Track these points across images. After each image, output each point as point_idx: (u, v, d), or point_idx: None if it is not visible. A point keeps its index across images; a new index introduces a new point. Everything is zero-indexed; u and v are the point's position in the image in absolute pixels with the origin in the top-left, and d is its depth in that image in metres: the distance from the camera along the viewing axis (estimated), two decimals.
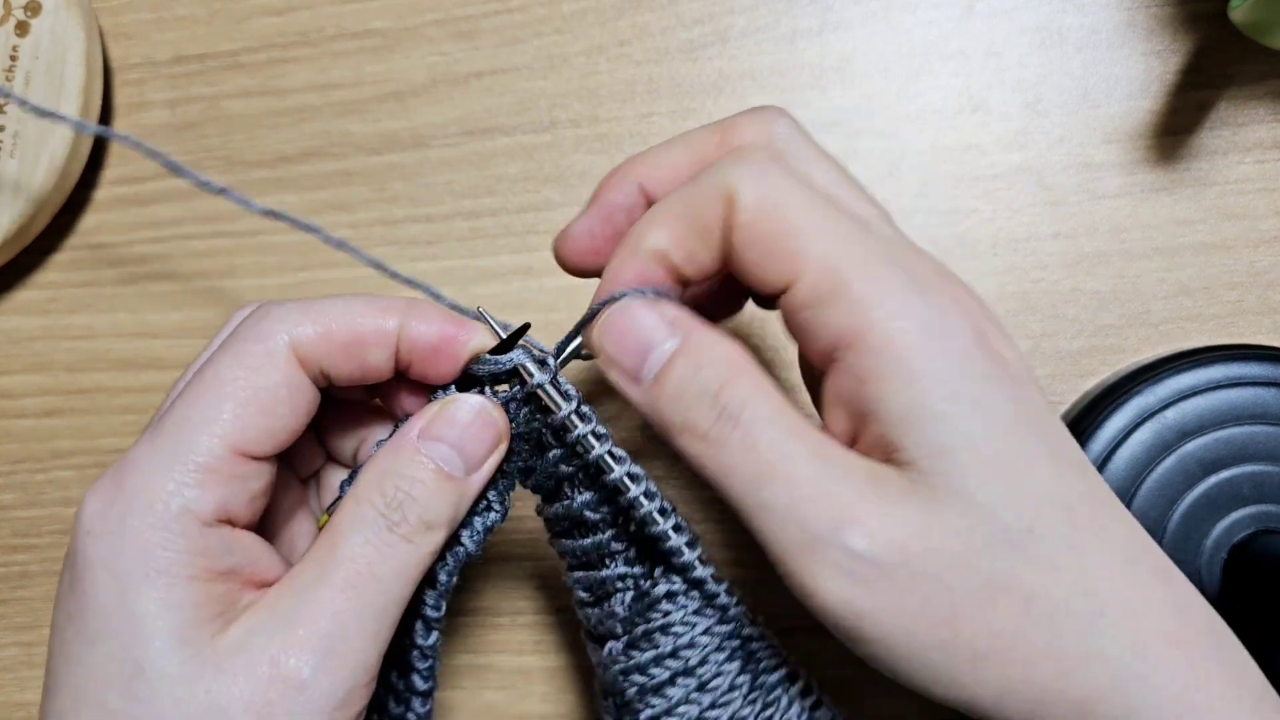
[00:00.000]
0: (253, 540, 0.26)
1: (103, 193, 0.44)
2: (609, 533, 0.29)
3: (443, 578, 0.28)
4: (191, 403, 0.25)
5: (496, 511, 0.29)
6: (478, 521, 0.28)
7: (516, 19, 0.42)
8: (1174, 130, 0.38)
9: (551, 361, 0.28)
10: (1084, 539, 0.22)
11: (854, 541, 0.21)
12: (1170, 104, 0.38)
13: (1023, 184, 0.38)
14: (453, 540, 0.28)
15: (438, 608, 0.28)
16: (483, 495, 0.28)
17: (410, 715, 0.29)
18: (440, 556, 0.28)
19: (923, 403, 0.22)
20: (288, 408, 0.26)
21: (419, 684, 0.29)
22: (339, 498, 0.28)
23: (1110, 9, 0.38)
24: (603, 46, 0.41)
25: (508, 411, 0.28)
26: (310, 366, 0.27)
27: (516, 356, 0.28)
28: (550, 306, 0.40)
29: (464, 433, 0.27)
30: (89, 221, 0.44)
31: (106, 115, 0.44)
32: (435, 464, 0.26)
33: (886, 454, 0.22)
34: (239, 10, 0.44)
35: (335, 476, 0.32)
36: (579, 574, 0.30)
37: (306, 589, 0.25)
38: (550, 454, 0.28)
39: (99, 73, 0.43)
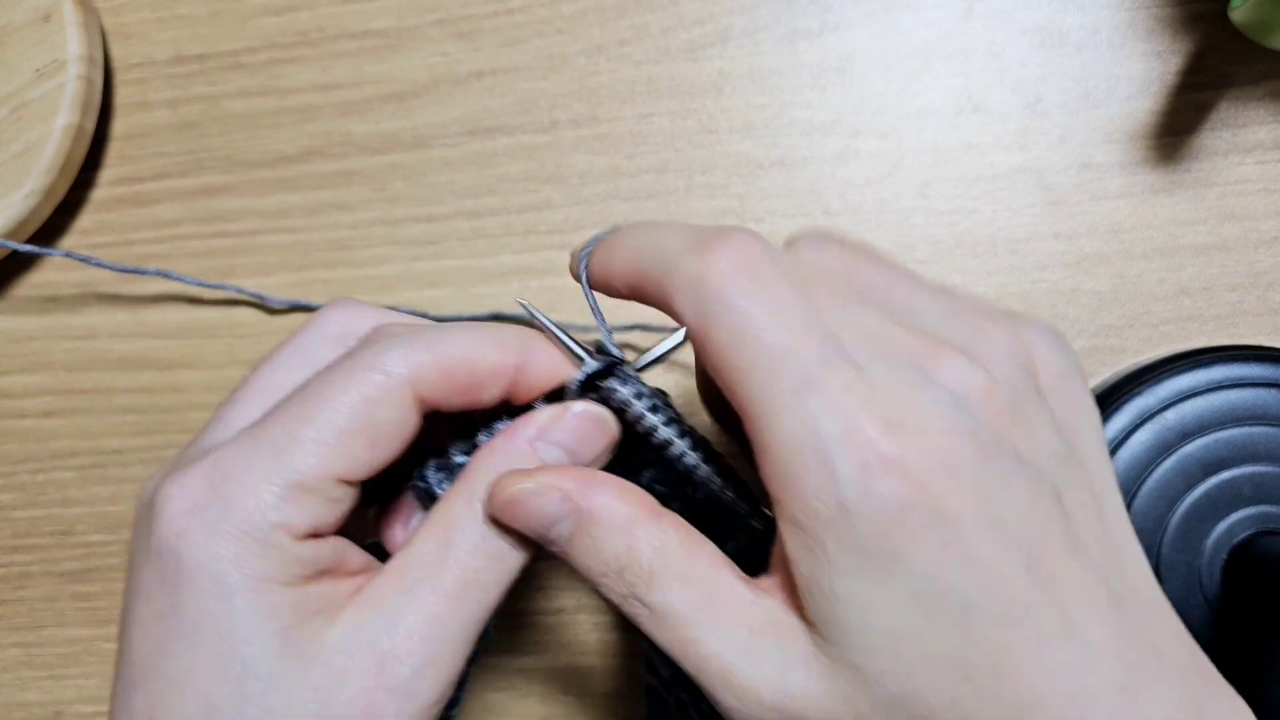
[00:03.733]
0: (340, 543, 0.26)
1: (101, 192, 0.44)
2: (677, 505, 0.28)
3: None
4: (300, 419, 0.25)
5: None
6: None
7: (517, 19, 0.42)
8: (1175, 131, 0.38)
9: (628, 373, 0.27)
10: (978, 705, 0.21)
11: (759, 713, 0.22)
12: (1171, 104, 0.38)
13: (1023, 184, 0.38)
14: None
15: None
16: None
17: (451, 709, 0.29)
18: None
19: (823, 579, 0.21)
20: (395, 441, 0.26)
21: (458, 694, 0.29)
22: (424, 481, 0.28)
23: (1111, 9, 0.38)
24: (603, 47, 0.41)
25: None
26: (425, 403, 0.26)
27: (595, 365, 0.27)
28: (550, 306, 0.40)
29: (577, 437, 0.26)
30: (88, 221, 0.44)
31: (107, 115, 0.44)
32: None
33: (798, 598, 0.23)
34: (240, 10, 0.44)
35: None
36: None
37: (412, 589, 0.24)
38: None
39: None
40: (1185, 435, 0.33)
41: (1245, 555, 0.32)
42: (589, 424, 0.27)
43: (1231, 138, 0.37)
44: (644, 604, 0.23)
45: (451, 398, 0.26)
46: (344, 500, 0.26)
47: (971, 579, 0.21)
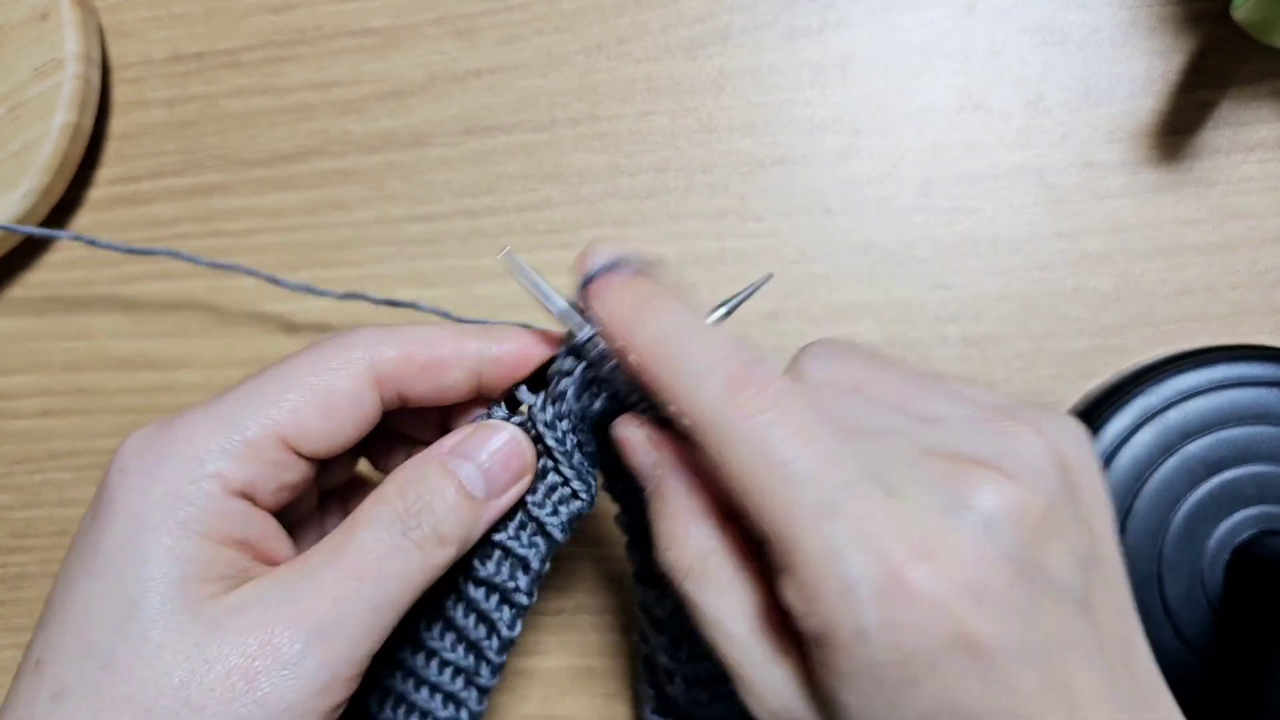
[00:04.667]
0: (271, 522, 0.27)
1: (99, 191, 0.44)
2: None
3: (535, 564, 0.28)
4: (259, 383, 0.26)
5: (583, 501, 0.29)
6: (564, 511, 0.29)
7: (516, 17, 0.42)
8: (1177, 129, 0.38)
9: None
10: None
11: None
12: (1173, 103, 0.38)
13: (1024, 183, 0.38)
14: (540, 529, 0.28)
15: (530, 594, 0.29)
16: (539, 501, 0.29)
17: (464, 714, 0.29)
18: (530, 543, 0.28)
19: (834, 689, 0.22)
20: (347, 417, 0.27)
21: (486, 679, 0.29)
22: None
23: (1112, 7, 0.38)
24: (602, 45, 0.41)
25: (590, 397, 0.28)
26: (387, 386, 0.27)
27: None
28: None
29: (491, 458, 0.27)
30: (85, 220, 0.44)
31: (104, 114, 0.44)
32: (459, 481, 0.26)
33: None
34: (237, 8, 0.43)
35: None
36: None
37: (314, 570, 0.25)
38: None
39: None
40: (1188, 435, 0.33)
41: (1247, 555, 0.32)
42: (505, 445, 0.28)
43: (1234, 136, 0.37)
44: (683, 591, 0.25)
45: (417, 382, 0.28)
46: (287, 469, 0.26)
47: (988, 703, 0.21)
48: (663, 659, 0.31)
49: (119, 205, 0.44)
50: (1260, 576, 0.32)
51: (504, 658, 0.29)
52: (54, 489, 0.43)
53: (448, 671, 0.29)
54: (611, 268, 0.26)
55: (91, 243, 0.36)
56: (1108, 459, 0.33)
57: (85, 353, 0.43)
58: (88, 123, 0.42)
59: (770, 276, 0.30)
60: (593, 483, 0.29)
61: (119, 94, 0.44)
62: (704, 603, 0.24)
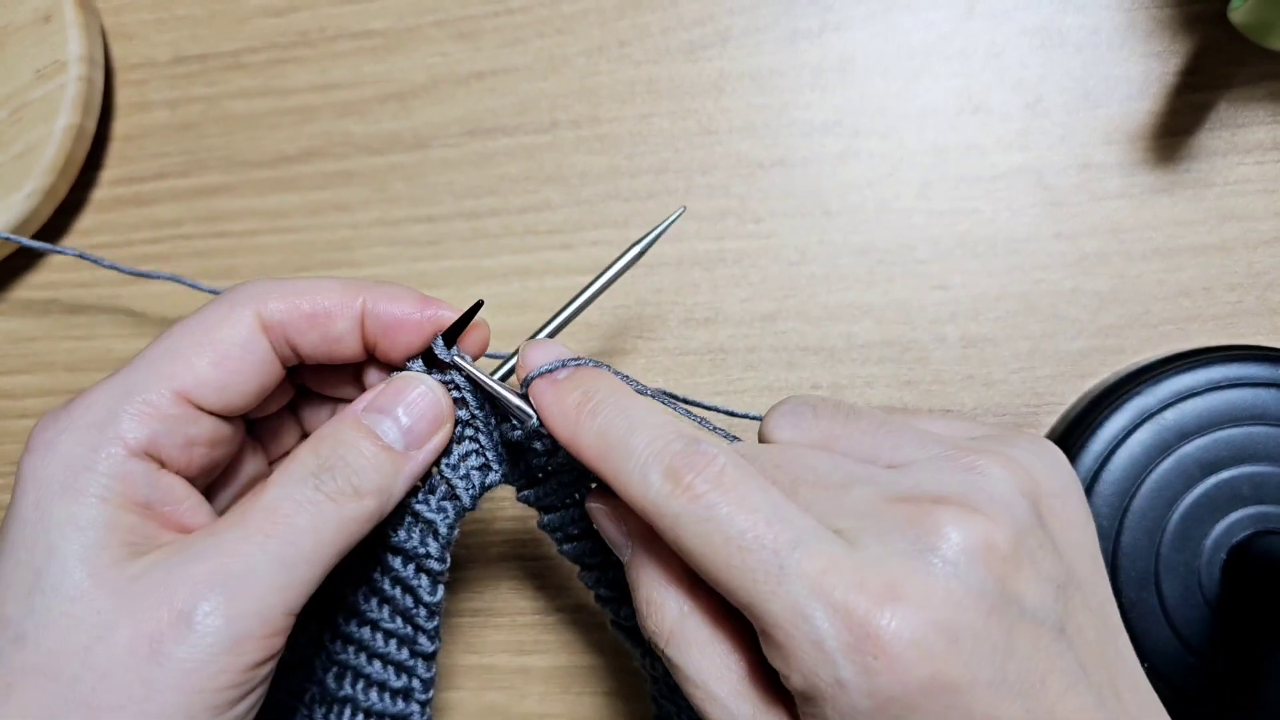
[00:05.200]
0: (180, 485, 0.27)
1: (102, 192, 0.44)
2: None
3: (443, 529, 0.29)
4: (153, 347, 0.27)
5: (496, 472, 0.30)
6: (476, 476, 0.29)
7: (517, 20, 0.42)
8: (1174, 131, 0.38)
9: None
10: None
11: None
12: (1170, 105, 0.38)
13: (1023, 184, 0.38)
14: (450, 493, 0.29)
15: (442, 559, 0.29)
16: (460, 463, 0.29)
17: (415, 683, 0.29)
18: (439, 508, 0.28)
19: None
20: (241, 365, 0.27)
21: (425, 645, 0.29)
22: None
23: (1111, 10, 0.38)
24: (603, 47, 0.41)
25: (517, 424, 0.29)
26: (275, 334, 0.28)
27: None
28: (550, 307, 0.40)
29: (406, 409, 0.28)
30: (88, 222, 0.44)
31: (107, 116, 0.44)
32: (373, 433, 0.27)
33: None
34: (239, 11, 0.44)
35: None
36: (595, 573, 0.31)
37: (219, 530, 0.25)
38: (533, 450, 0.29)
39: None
40: (1184, 435, 0.33)
41: (1244, 555, 0.32)
42: (419, 396, 0.28)
43: (1231, 138, 0.37)
44: (672, 661, 0.25)
45: (304, 331, 0.28)
46: (190, 423, 0.26)
47: None
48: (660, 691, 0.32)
49: (122, 207, 0.44)
50: (1257, 576, 0.32)
51: (436, 622, 0.29)
52: None
53: (392, 642, 0.29)
54: (550, 368, 0.27)
55: (96, 261, 0.36)
56: (1104, 459, 0.34)
57: (88, 353, 0.44)
58: (91, 124, 0.42)
59: (684, 209, 0.32)
60: (505, 459, 0.30)
61: (122, 96, 0.44)
62: (687, 666, 0.25)
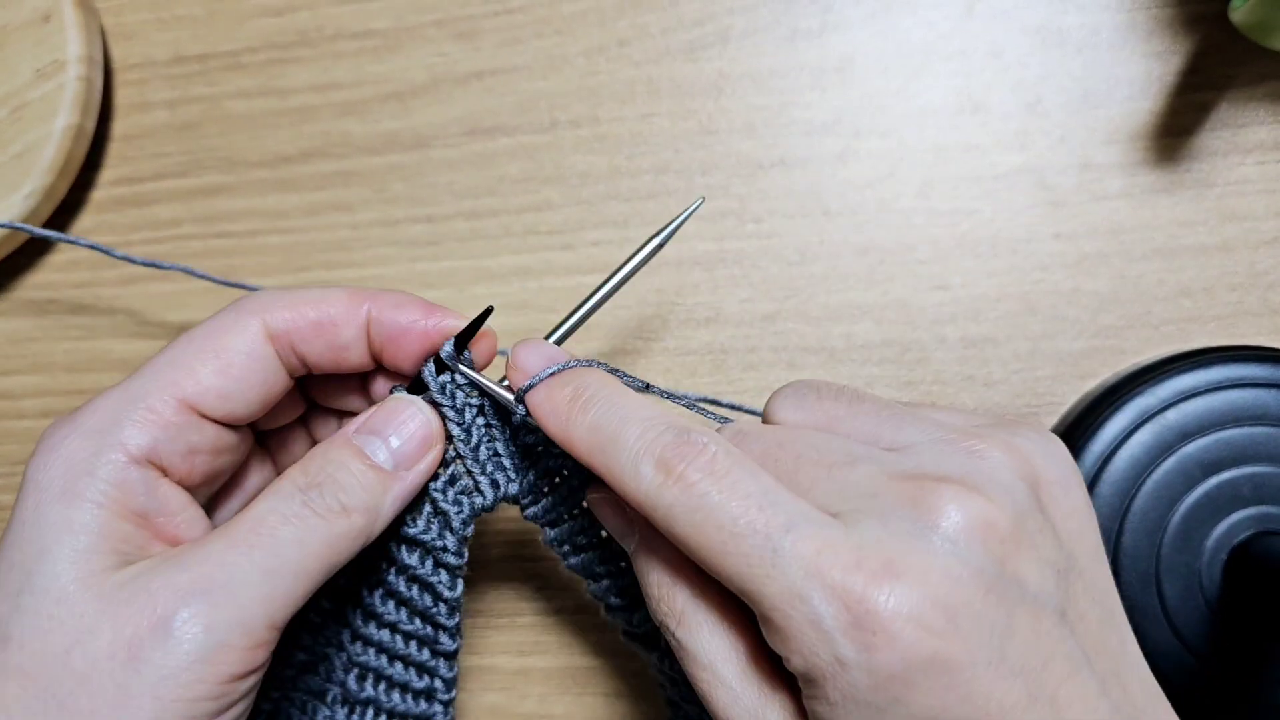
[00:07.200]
0: (178, 496, 0.27)
1: (101, 193, 0.44)
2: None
3: (457, 524, 0.29)
4: (160, 355, 0.27)
5: (515, 483, 0.30)
6: (500, 479, 0.29)
7: (517, 20, 0.42)
8: (1174, 131, 0.38)
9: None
10: None
11: None
12: (1171, 105, 0.38)
13: (1023, 185, 0.38)
14: (471, 490, 0.29)
15: (460, 554, 0.29)
16: (482, 473, 0.29)
17: (437, 683, 0.30)
18: (456, 503, 0.29)
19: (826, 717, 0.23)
20: (245, 373, 0.27)
21: (447, 644, 0.30)
22: None
23: (1111, 10, 0.38)
24: (603, 47, 0.41)
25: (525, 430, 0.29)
26: (281, 343, 0.28)
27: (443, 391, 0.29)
28: (550, 307, 0.40)
29: (397, 430, 0.28)
30: (87, 222, 0.44)
31: (106, 116, 0.44)
32: (363, 453, 0.27)
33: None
34: (239, 10, 0.44)
35: None
36: (604, 583, 0.31)
37: (205, 542, 0.25)
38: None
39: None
40: (1185, 435, 0.33)
41: (1245, 556, 0.32)
42: (408, 418, 0.28)
43: (1231, 138, 0.37)
44: (674, 637, 0.25)
45: (310, 339, 0.28)
46: (193, 430, 0.27)
47: (973, 716, 0.21)
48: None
49: (121, 207, 0.44)
50: (1258, 577, 0.32)
51: (456, 619, 0.29)
52: None
53: (413, 644, 0.30)
54: (549, 373, 0.27)
55: (107, 252, 0.36)
56: (1105, 459, 0.34)
57: (87, 353, 0.43)
58: (90, 124, 0.42)
59: (703, 200, 0.32)
60: (499, 477, 0.30)
61: (121, 96, 0.44)
62: (694, 648, 0.25)
